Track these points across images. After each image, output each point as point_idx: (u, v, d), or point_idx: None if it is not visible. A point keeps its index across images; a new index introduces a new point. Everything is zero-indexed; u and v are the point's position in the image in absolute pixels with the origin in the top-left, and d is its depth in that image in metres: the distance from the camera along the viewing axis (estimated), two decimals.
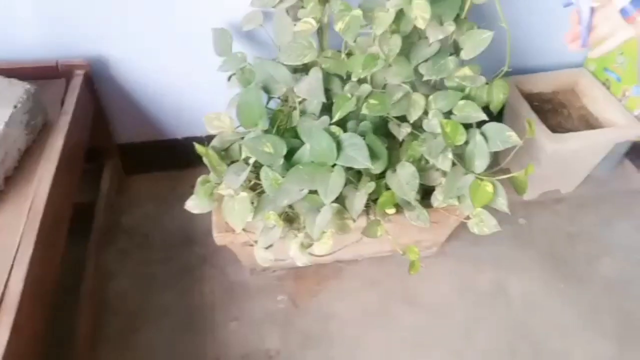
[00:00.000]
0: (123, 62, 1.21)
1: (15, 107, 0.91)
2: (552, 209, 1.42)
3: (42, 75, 1.11)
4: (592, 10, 0.72)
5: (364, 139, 0.94)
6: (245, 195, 0.95)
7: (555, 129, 1.29)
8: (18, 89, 0.94)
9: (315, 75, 1.01)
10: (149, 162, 1.45)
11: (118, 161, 1.40)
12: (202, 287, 1.22)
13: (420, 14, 0.91)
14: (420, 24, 0.91)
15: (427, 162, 1.03)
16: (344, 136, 0.95)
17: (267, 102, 1.14)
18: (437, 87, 1.10)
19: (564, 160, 1.29)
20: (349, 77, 1.05)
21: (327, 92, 1.06)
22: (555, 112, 1.37)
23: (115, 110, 1.31)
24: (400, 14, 0.95)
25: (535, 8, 1.32)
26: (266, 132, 1.01)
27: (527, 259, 1.30)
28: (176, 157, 1.43)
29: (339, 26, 0.92)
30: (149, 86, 1.28)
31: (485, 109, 1.06)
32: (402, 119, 1.05)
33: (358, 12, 0.92)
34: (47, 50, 1.13)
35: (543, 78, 1.39)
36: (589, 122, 1.33)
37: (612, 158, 1.42)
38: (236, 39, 1.18)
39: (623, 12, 0.69)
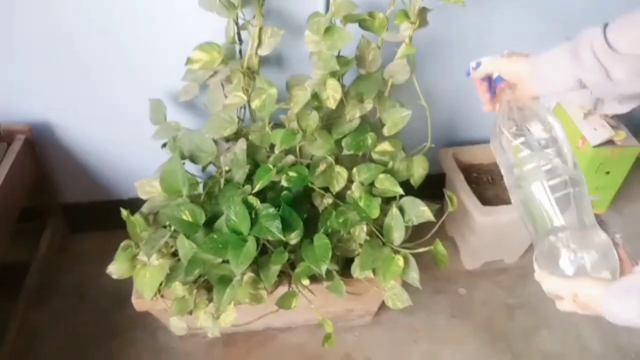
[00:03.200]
0: (66, 127, 1.26)
1: None
2: (493, 280, 1.42)
3: None
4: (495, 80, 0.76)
5: (279, 210, 0.97)
6: (157, 264, 0.96)
7: (491, 200, 1.31)
8: None
9: (240, 146, 1.05)
10: (95, 221, 1.46)
11: (61, 220, 1.41)
12: (130, 351, 1.21)
13: (332, 94, 0.96)
14: (331, 104, 0.95)
15: (348, 232, 1.05)
16: (260, 207, 0.97)
17: (203, 169, 1.17)
18: (364, 158, 1.13)
19: (497, 231, 1.31)
20: (273, 147, 1.08)
21: (254, 162, 1.10)
22: (494, 183, 1.39)
23: (60, 172, 1.34)
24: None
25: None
26: (193, 200, 1.03)
27: (463, 331, 1.29)
28: (121, 217, 1.45)
29: (255, 103, 0.97)
30: (92, 150, 1.31)
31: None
32: (327, 188, 1.08)
33: (274, 91, 0.97)
34: None
35: (482, 149, 1.43)
36: None
37: None
38: (175, 107, 1.22)
39: (494, 81, 0.74)
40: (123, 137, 1.30)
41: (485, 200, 1.28)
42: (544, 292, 0.64)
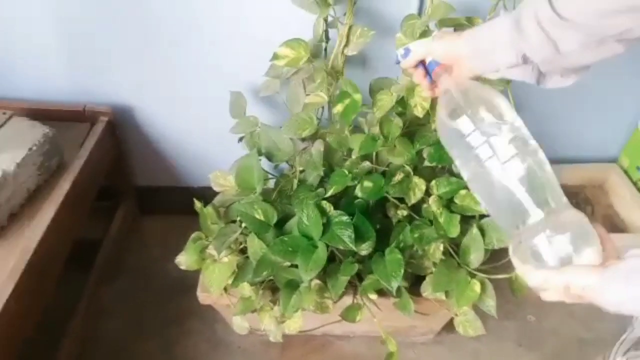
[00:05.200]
0: (146, 111, 1.28)
1: (30, 149, 0.98)
2: (566, 308, 1.32)
3: (70, 118, 1.19)
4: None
5: (353, 218, 0.93)
6: (227, 260, 0.95)
7: None
8: (37, 132, 1.01)
9: (317, 148, 1.02)
10: (164, 205, 1.49)
11: (133, 202, 1.45)
12: (188, 341, 1.22)
13: (420, 102, 0.91)
14: (419, 112, 0.90)
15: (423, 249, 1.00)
16: (334, 213, 0.94)
17: (276, 166, 1.16)
18: (444, 171, 1.08)
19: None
20: (351, 151, 1.05)
21: (328, 164, 1.06)
22: (580, 208, 1.28)
23: (136, 155, 1.37)
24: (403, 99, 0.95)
25: (569, 97, 1.28)
26: (264, 196, 1.02)
27: None
28: (190, 204, 1.47)
29: (337, 109, 0.93)
30: (168, 136, 1.33)
31: None
32: (403, 199, 1.03)
33: (358, 96, 0.93)
34: (78, 95, 1.22)
35: (570, 170, 1.33)
36: (613, 224, 1.25)
37: None
38: (254, 101, 1.21)
39: (429, 66, 0.68)
40: (200, 126, 1.31)
41: None
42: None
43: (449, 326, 1.20)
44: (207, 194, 1.14)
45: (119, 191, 1.40)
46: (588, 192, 1.33)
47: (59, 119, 1.17)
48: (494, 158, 0.59)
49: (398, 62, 0.72)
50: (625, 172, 1.31)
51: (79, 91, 1.23)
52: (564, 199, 0.59)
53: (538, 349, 1.23)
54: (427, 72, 0.69)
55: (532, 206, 0.58)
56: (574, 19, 0.53)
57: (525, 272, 0.58)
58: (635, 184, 1.28)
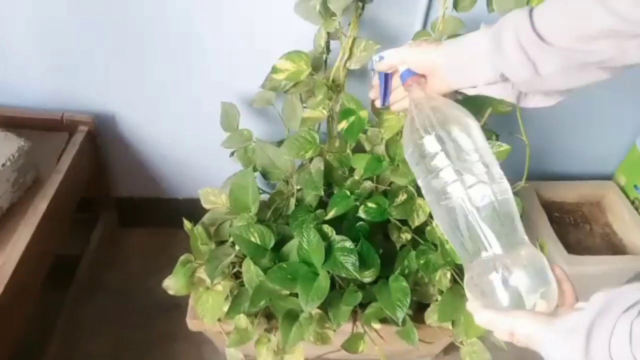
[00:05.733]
0: (129, 121, 1.20)
1: (3, 165, 0.89)
2: None
3: (47, 127, 1.10)
4: (391, 74, 0.70)
5: (357, 245, 0.88)
6: (220, 288, 0.89)
7: (573, 246, 1.19)
8: (11, 145, 0.92)
9: (317, 166, 0.96)
10: (146, 217, 1.41)
11: (114, 214, 1.37)
12: None
13: None
14: None
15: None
16: (336, 238, 0.89)
17: (270, 182, 1.09)
18: None
19: (582, 284, 1.19)
20: (352, 170, 1.00)
21: (327, 183, 1.01)
22: (577, 226, 1.27)
23: (117, 165, 1.29)
24: None
25: (566, 113, 1.26)
26: (258, 217, 0.96)
27: None
28: (174, 216, 1.39)
29: (342, 125, 0.88)
30: (153, 146, 1.25)
31: None
32: (405, 221, 0.98)
33: (364, 113, 0.88)
34: (55, 102, 1.13)
35: (567, 187, 1.31)
36: (611, 243, 1.23)
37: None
38: (247, 112, 1.15)
39: (402, 76, 0.66)
40: (187, 136, 1.24)
41: (567, 246, 1.16)
42: None
43: (447, 348, 1.17)
44: (191, 207, 1.07)
45: (98, 203, 1.31)
46: (585, 209, 1.31)
47: (35, 127, 1.09)
48: (458, 182, 0.56)
49: (373, 69, 0.69)
50: (622, 189, 1.30)
51: (56, 97, 1.13)
52: (525, 236, 0.57)
53: None
54: (387, 83, 0.69)
55: (491, 239, 0.55)
56: (554, 42, 0.50)
57: (473, 309, 0.56)
58: (632, 202, 1.26)
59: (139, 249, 1.39)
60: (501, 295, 0.53)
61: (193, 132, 1.22)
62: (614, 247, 1.22)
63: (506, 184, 0.58)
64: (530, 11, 0.52)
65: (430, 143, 0.58)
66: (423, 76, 0.64)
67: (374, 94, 0.74)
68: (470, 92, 0.63)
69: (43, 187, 0.98)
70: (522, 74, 0.54)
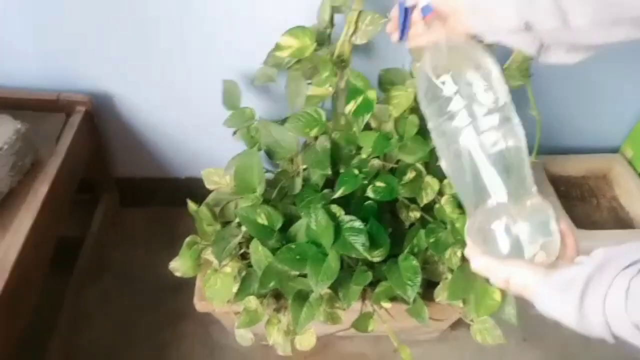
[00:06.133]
0: (127, 99, 1.17)
1: (1, 149, 0.86)
2: None
3: (43, 108, 1.07)
4: (411, 8, 0.66)
5: (366, 224, 0.87)
6: (229, 270, 0.87)
7: (582, 220, 1.18)
8: (8, 128, 0.90)
9: (323, 145, 0.94)
10: (147, 197, 1.39)
11: (115, 194, 1.35)
12: (181, 346, 1.15)
13: None
14: None
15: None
16: (345, 218, 0.87)
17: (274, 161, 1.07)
18: None
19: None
20: (359, 148, 0.98)
21: (333, 162, 0.99)
22: (583, 200, 1.26)
23: (117, 146, 1.26)
24: None
25: (572, 86, 1.23)
26: (264, 198, 0.94)
27: (534, 356, 1.19)
28: (176, 196, 1.37)
29: (349, 107, 0.85)
30: (152, 125, 1.22)
31: None
32: (413, 199, 0.97)
33: (373, 94, 0.85)
34: (50, 81, 1.09)
35: (574, 161, 1.29)
36: (618, 217, 1.23)
37: None
38: (249, 90, 1.12)
39: (422, 10, 0.62)
40: (188, 115, 1.21)
41: (575, 220, 1.15)
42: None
43: (454, 324, 1.17)
44: (193, 185, 1.05)
45: (98, 183, 1.29)
46: (592, 183, 1.30)
47: (30, 108, 1.05)
48: (471, 126, 0.54)
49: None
50: (630, 162, 1.28)
51: (52, 77, 1.10)
52: (533, 187, 0.56)
53: (542, 344, 1.22)
54: (406, 20, 0.64)
55: (498, 187, 0.54)
56: None
57: (470, 255, 0.56)
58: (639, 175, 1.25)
59: (141, 229, 1.37)
60: (502, 243, 0.53)
61: (194, 111, 1.19)
62: (621, 220, 1.22)
63: (521, 132, 0.56)
64: None
65: (445, 84, 0.56)
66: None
67: (392, 27, 0.69)
68: (489, 38, 0.60)
69: (42, 170, 0.96)
70: (550, 24, 0.50)
